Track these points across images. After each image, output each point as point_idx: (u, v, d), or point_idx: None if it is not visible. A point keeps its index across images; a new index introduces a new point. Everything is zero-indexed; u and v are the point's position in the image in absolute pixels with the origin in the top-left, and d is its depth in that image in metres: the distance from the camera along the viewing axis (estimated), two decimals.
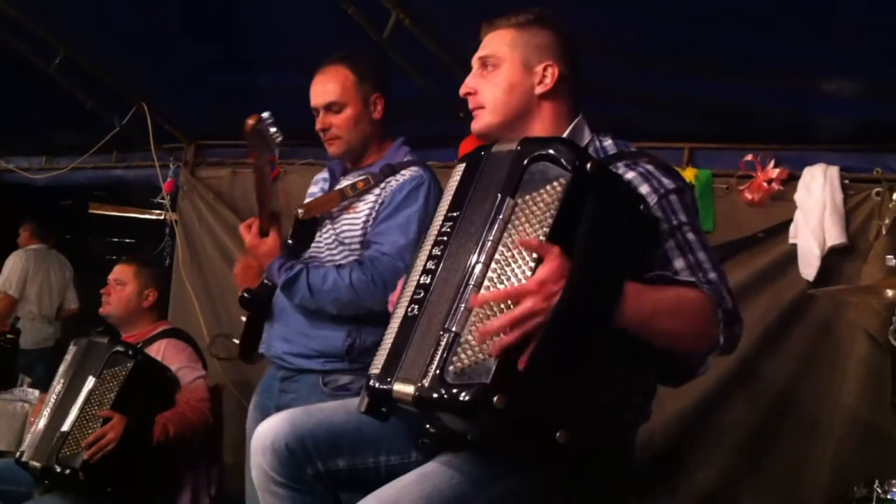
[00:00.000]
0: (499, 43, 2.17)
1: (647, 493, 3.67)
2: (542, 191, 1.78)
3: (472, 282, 1.77)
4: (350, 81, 2.95)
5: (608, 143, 2.13)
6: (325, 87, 2.95)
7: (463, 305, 1.76)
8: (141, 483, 3.50)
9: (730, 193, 3.83)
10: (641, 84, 3.58)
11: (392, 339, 1.90)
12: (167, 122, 5.32)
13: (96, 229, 10.11)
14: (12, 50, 4.58)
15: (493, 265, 1.77)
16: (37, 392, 4.57)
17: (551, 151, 1.81)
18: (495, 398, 1.65)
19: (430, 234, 1.98)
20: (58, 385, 3.65)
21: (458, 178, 2.02)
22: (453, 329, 1.75)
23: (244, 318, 3.12)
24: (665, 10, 3.15)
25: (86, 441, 3.34)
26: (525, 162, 1.83)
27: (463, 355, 1.72)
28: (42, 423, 3.56)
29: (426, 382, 1.74)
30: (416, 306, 1.88)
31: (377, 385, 1.87)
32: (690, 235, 1.95)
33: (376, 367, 1.90)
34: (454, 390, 1.70)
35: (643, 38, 3.34)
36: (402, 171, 2.89)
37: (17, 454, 3.59)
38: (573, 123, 2.16)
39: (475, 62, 2.21)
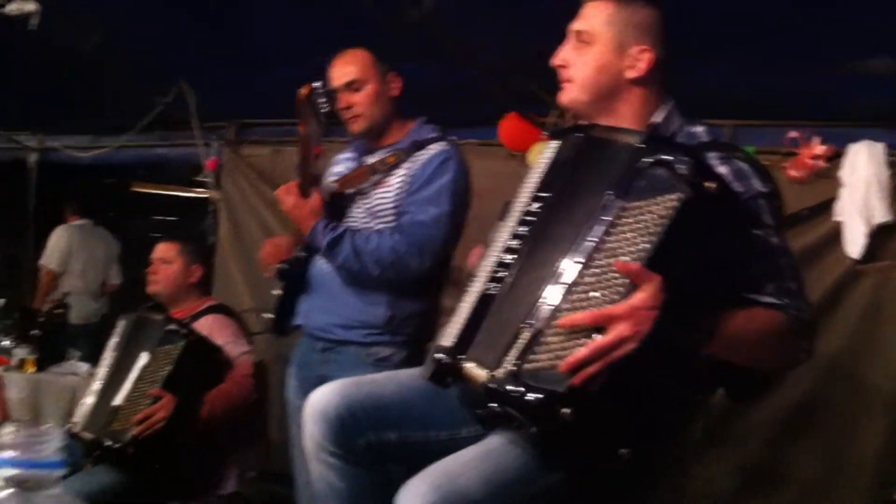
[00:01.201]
0: (596, 18, 2.07)
1: (695, 463, 3.68)
2: (654, 201, 1.69)
3: (562, 280, 1.73)
4: (368, 59, 3.01)
5: (700, 129, 2.06)
6: (345, 68, 3.00)
7: (548, 304, 1.72)
8: (188, 460, 3.55)
9: (773, 171, 3.77)
10: (684, 62, 3.55)
11: (467, 314, 1.89)
12: (210, 101, 5.35)
13: (139, 208, 10.22)
14: (57, 31, 4.63)
15: (587, 270, 1.71)
16: (86, 366, 4.64)
17: (674, 161, 1.71)
18: (564, 409, 1.65)
19: (514, 211, 1.95)
20: (108, 358, 3.69)
21: (552, 155, 1.97)
22: (536, 326, 1.72)
23: (275, 293, 3.14)
24: None
25: (135, 418, 3.38)
26: (644, 164, 1.74)
27: (541, 356, 1.70)
28: (93, 395, 3.61)
29: (499, 373, 1.73)
30: (496, 285, 1.86)
31: (447, 359, 1.87)
32: (774, 240, 1.89)
33: (447, 338, 1.89)
34: (525, 389, 1.69)
35: (686, 16, 3.31)
36: (430, 146, 2.94)
37: (69, 426, 3.65)
38: (665, 109, 2.08)
39: (570, 32, 2.12)
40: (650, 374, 1.72)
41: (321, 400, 2.15)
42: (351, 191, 3.00)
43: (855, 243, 3.51)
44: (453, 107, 4.49)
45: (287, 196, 2.96)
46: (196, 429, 3.48)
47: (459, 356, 1.84)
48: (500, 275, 1.87)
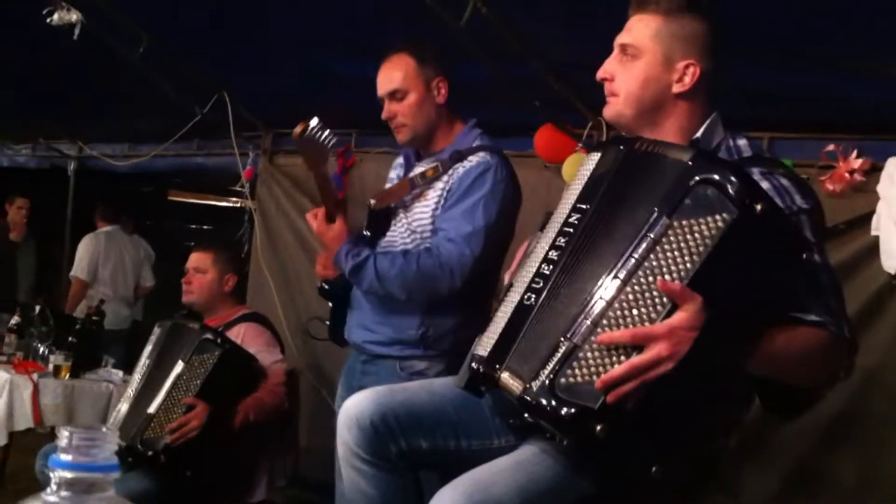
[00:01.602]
0: (642, 31, 2.04)
1: (728, 480, 3.66)
2: (701, 220, 1.68)
3: (603, 296, 1.72)
4: (412, 67, 2.95)
5: (743, 142, 2.04)
6: (389, 76, 2.96)
7: (588, 320, 1.71)
8: (219, 467, 3.57)
9: (810, 184, 3.76)
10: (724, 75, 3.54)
11: (504, 324, 1.87)
12: (247, 110, 5.40)
13: (176, 215, 10.32)
14: (97, 39, 4.69)
15: (629, 287, 1.70)
16: (120, 373, 4.69)
17: (723, 180, 1.68)
18: (598, 426, 1.65)
19: (553, 221, 1.94)
20: (143, 366, 3.73)
21: (592, 167, 1.94)
22: (574, 340, 1.71)
23: (331, 304, 3.15)
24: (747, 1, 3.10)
25: (169, 426, 3.41)
26: (692, 182, 1.72)
27: (577, 371, 1.70)
28: (127, 402, 3.65)
29: (535, 385, 1.73)
30: (534, 295, 1.85)
31: (483, 368, 1.86)
32: (816, 257, 1.86)
33: (484, 348, 1.89)
34: (559, 403, 1.69)
35: (722, 26, 3.30)
36: (470, 158, 2.87)
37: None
38: (707, 122, 2.05)
39: (616, 45, 2.08)
40: (687, 393, 1.71)
41: (355, 407, 2.17)
42: (393, 204, 2.97)
43: (892, 257, 3.47)
44: (488, 115, 4.51)
45: (313, 221, 2.95)
46: (229, 437, 3.50)
47: (495, 366, 1.83)
48: (538, 285, 1.85)
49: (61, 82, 5.80)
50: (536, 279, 1.86)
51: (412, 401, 2.17)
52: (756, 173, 1.88)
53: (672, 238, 1.68)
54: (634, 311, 1.68)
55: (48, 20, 4.48)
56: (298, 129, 2.77)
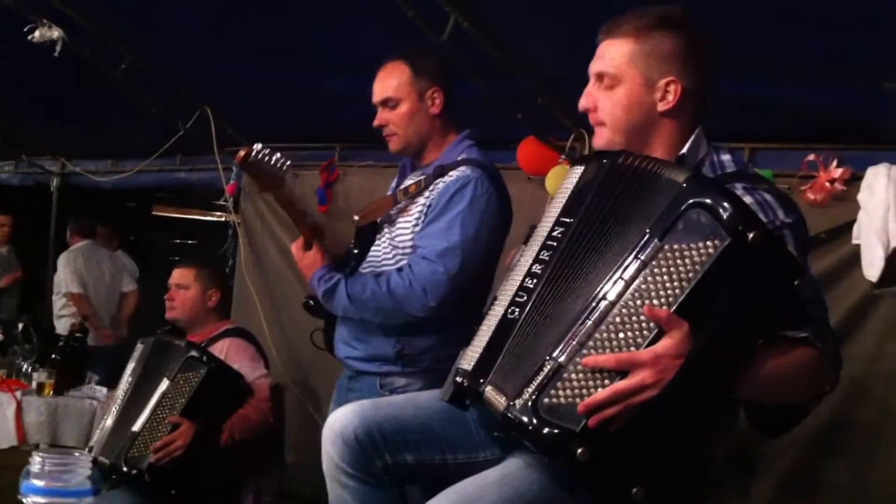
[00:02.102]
0: (617, 57, 2.00)
1: (719, 489, 3.66)
2: (692, 245, 1.66)
3: (589, 316, 1.71)
4: (406, 76, 2.91)
5: (726, 157, 2.02)
6: (383, 84, 2.93)
7: (575, 340, 1.70)
8: (204, 486, 3.55)
9: (791, 194, 3.76)
10: None
11: (488, 338, 1.87)
12: (230, 125, 5.40)
13: (160, 231, 10.30)
14: (80, 56, 4.69)
15: (616, 309, 1.69)
16: (104, 389, 4.67)
17: (716, 205, 1.66)
18: (579, 450, 1.65)
19: (537, 235, 1.93)
20: (126, 382, 3.70)
21: (576, 180, 1.94)
22: (560, 360, 1.70)
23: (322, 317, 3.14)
24: (725, 9, 3.12)
25: (154, 446, 3.39)
26: (685, 205, 1.69)
27: (561, 392, 1.69)
28: (111, 419, 3.63)
29: (517, 403, 1.72)
30: (517, 309, 1.84)
31: (467, 383, 1.86)
32: None
33: (468, 362, 1.88)
34: (540, 423, 1.68)
35: (703, 37, 3.32)
36: (451, 172, 2.82)
37: (87, 450, 3.66)
38: (691, 138, 2.02)
39: (592, 74, 2.05)
40: (672, 415, 1.70)
41: (339, 421, 2.16)
42: (379, 220, 2.95)
43: (873, 266, 3.49)
44: (471, 129, 4.52)
45: (294, 249, 2.97)
46: (214, 455, 3.49)
47: (479, 380, 1.83)
48: (521, 299, 1.85)
49: (43, 99, 5.79)
50: (520, 293, 1.86)
51: (397, 415, 2.16)
52: (739, 189, 1.87)
53: (662, 262, 1.67)
54: (621, 335, 1.67)
55: (30, 37, 4.47)
56: (242, 153, 2.73)
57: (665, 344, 1.63)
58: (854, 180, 3.65)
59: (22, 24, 4.46)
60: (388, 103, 2.91)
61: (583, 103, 2.07)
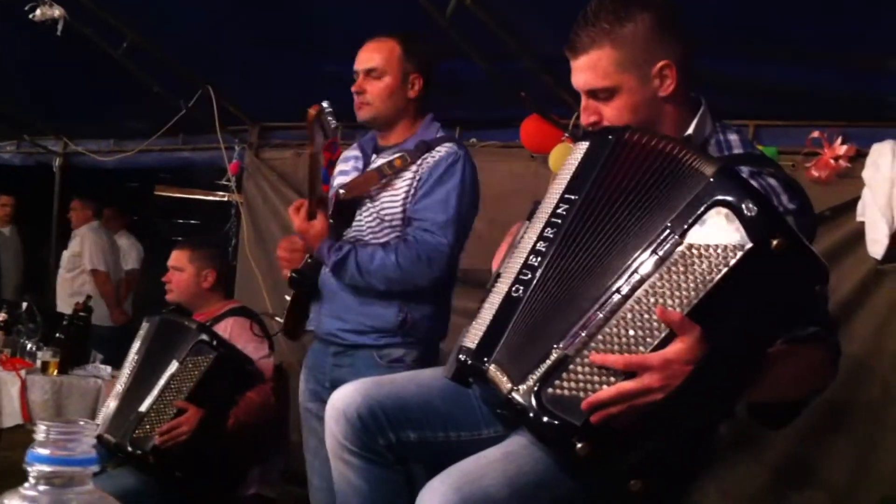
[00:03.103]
0: (602, 69, 1.93)
1: (720, 469, 3.67)
2: (712, 247, 1.59)
3: (603, 310, 1.66)
4: (395, 54, 2.97)
5: (733, 138, 1.98)
6: (371, 54, 2.98)
7: (584, 332, 1.66)
8: (209, 469, 3.56)
9: (796, 171, 3.76)
10: (705, 62, 3.55)
11: (492, 316, 1.83)
12: (232, 104, 5.39)
13: (163, 211, 10.29)
14: (81, 36, 4.67)
15: (629, 304, 1.64)
16: (109, 368, 4.67)
17: (743, 206, 1.58)
18: (578, 444, 1.63)
19: (541, 211, 1.88)
20: (132, 361, 3.69)
21: (581, 156, 1.87)
22: (567, 351, 1.67)
23: (288, 297, 3.15)
24: None
25: (159, 429, 3.39)
26: (710, 201, 1.62)
27: (566, 383, 1.66)
28: (116, 398, 3.62)
29: (521, 389, 1.70)
30: (522, 287, 1.81)
31: (470, 360, 1.83)
32: None
33: (471, 340, 1.85)
34: (542, 412, 1.66)
35: (707, 17, 3.31)
36: (438, 148, 2.92)
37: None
38: (697, 116, 1.98)
39: (584, 92, 1.99)
40: (675, 418, 1.68)
41: (342, 400, 2.15)
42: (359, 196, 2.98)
43: (877, 243, 3.49)
44: (474, 108, 4.51)
45: (295, 216, 2.98)
46: (220, 439, 3.49)
47: (483, 358, 1.81)
48: (526, 277, 1.81)
49: (45, 79, 5.77)
50: (524, 270, 1.82)
51: (399, 393, 2.15)
52: (745, 172, 1.82)
53: (680, 261, 1.61)
54: (631, 332, 1.63)
55: (31, 16, 4.46)
56: (313, 111, 2.83)
57: (675, 349, 1.59)
58: (859, 157, 3.64)
59: (23, 2, 4.45)
60: (372, 73, 2.97)
61: (586, 120, 2.00)
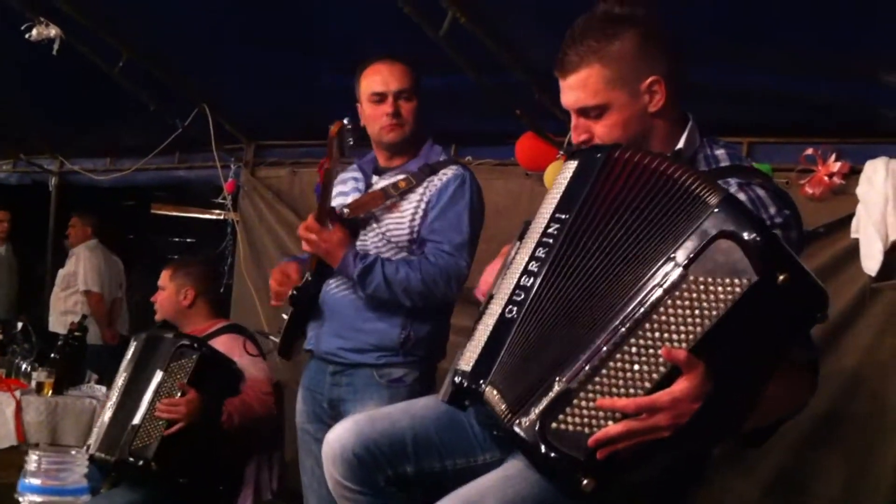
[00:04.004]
0: (591, 87, 1.94)
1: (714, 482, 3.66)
2: (718, 280, 1.57)
3: (607, 344, 1.63)
4: (415, 77, 3.01)
5: (721, 152, 1.98)
6: (400, 76, 2.98)
7: (588, 366, 1.64)
8: (209, 474, 3.57)
9: (790, 188, 3.76)
10: (699, 77, 3.56)
11: (486, 338, 1.82)
12: (228, 123, 5.40)
13: (159, 229, 10.29)
14: (78, 54, 4.68)
15: (633, 338, 1.61)
16: (104, 388, 4.66)
17: (749, 239, 1.56)
18: (584, 480, 1.62)
19: (532, 231, 1.87)
20: (120, 379, 3.71)
21: (570, 175, 1.86)
22: (571, 385, 1.65)
23: (286, 316, 3.13)
24: (724, 3, 3.12)
25: (160, 405, 3.42)
26: (716, 232, 1.60)
27: (570, 418, 1.64)
28: (108, 416, 3.63)
29: (525, 422, 1.68)
30: (515, 308, 1.79)
31: (466, 383, 1.81)
32: None
33: (466, 362, 1.83)
34: (547, 448, 1.65)
35: (700, 29, 3.32)
36: (444, 170, 2.95)
37: (84, 448, 3.66)
38: (686, 132, 1.98)
39: (574, 111, 2.00)
40: (679, 447, 1.67)
41: (338, 440, 2.14)
42: (363, 215, 2.98)
43: (872, 260, 3.49)
44: (468, 121, 4.52)
45: (309, 232, 2.91)
46: (216, 439, 3.50)
47: (479, 381, 1.79)
48: (519, 298, 1.80)
49: (41, 97, 5.78)
50: (517, 291, 1.81)
51: (393, 428, 2.13)
52: (733, 184, 1.83)
53: (686, 294, 1.58)
54: (636, 367, 1.60)
55: (27, 35, 4.47)
56: (335, 128, 2.87)
57: (682, 387, 1.57)
58: (853, 174, 3.65)
59: (20, 22, 4.46)
60: (403, 94, 2.98)
61: (577, 138, 2.00)
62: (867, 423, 3.57)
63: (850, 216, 3.62)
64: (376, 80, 2.98)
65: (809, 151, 3.73)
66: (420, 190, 2.93)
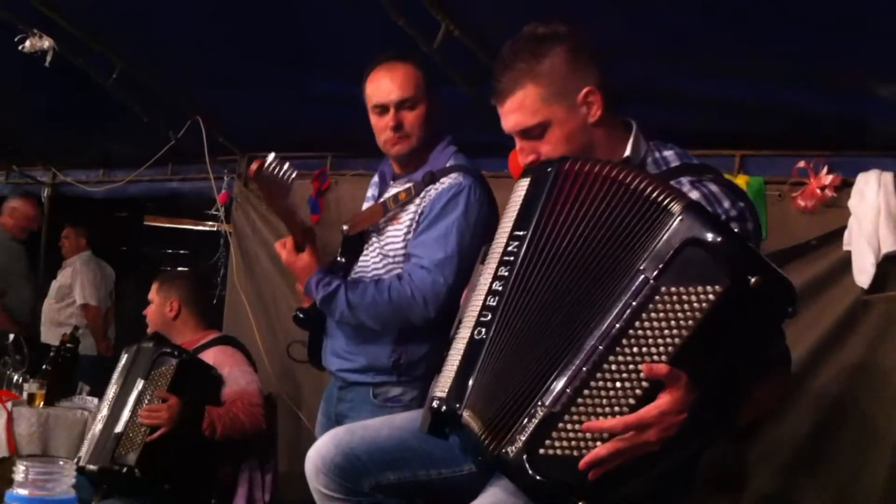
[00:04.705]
0: (529, 107, 1.97)
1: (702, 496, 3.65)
2: (690, 289, 1.57)
3: (587, 365, 1.63)
4: (421, 79, 2.85)
5: (669, 153, 1.99)
6: (401, 83, 2.82)
7: (569, 389, 1.64)
8: (195, 483, 3.57)
9: (782, 201, 3.79)
10: (690, 89, 3.57)
11: (459, 362, 1.82)
12: (221, 134, 5.39)
13: (152, 241, 10.27)
14: (71, 65, 4.68)
15: (612, 356, 1.62)
16: (95, 400, 4.64)
17: (717, 245, 1.58)
18: (578, 503, 1.62)
19: (493, 252, 1.88)
20: (111, 391, 3.77)
21: (524, 192, 1.88)
22: (554, 409, 1.65)
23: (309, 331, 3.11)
24: (714, 11, 3.12)
25: (140, 412, 3.45)
26: (682, 241, 1.61)
27: (557, 443, 1.64)
28: (98, 428, 3.66)
29: (511, 451, 1.68)
30: (484, 329, 1.80)
31: (444, 408, 1.81)
32: None
33: (441, 388, 1.83)
34: (538, 475, 1.65)
35: (691, 41, 3.32)
36: (442, 179, 2.79)
37: (76, 460, 3.66)
38: (631, 138, 2.00)
39: (516, 134, 2.02)
40: (668, 457, 1.68)
41: (317, 454, 2.16)
42: (367, 228, 2.91)
43: (864, 272, 3.49)
44: (463, 137, 4.51)
45: (282, 250, 2.86)
46: (200, 446, 3.53)
47: (456, 405, 1.79)
48: (486, 318, 1.81)
49: (34, 109, 5.77)
50: (484, 312, 1.81)
51: (373, 437, 2.15)
52: (686, 183, 1.85)
53: (660, 306, 1.59)
54: (618, 384, 1.61)
55: (20, 47, 4.46)
56: (255, 167, 2.66)
57: (667, 400, 1.58)
58: (845, 186, 3.65)
59: (12, 34, 4.45)
60: (406, 104, 2.82)
61: (524, 160, 2.02)
62: (858, 436, 3.57)
63: (842, 229, 3.62)
64: (376, 90, 2.84)
65: (801, 164, 3.74)
66: (417, 201, 2.80)
